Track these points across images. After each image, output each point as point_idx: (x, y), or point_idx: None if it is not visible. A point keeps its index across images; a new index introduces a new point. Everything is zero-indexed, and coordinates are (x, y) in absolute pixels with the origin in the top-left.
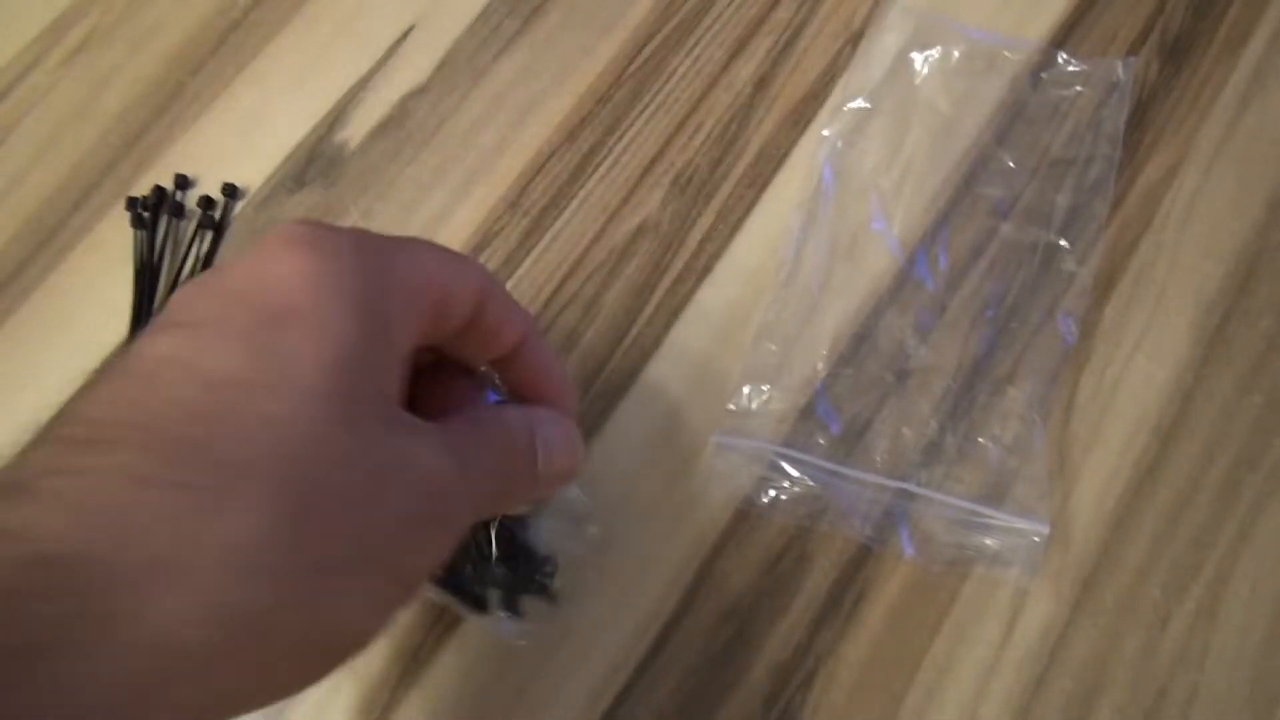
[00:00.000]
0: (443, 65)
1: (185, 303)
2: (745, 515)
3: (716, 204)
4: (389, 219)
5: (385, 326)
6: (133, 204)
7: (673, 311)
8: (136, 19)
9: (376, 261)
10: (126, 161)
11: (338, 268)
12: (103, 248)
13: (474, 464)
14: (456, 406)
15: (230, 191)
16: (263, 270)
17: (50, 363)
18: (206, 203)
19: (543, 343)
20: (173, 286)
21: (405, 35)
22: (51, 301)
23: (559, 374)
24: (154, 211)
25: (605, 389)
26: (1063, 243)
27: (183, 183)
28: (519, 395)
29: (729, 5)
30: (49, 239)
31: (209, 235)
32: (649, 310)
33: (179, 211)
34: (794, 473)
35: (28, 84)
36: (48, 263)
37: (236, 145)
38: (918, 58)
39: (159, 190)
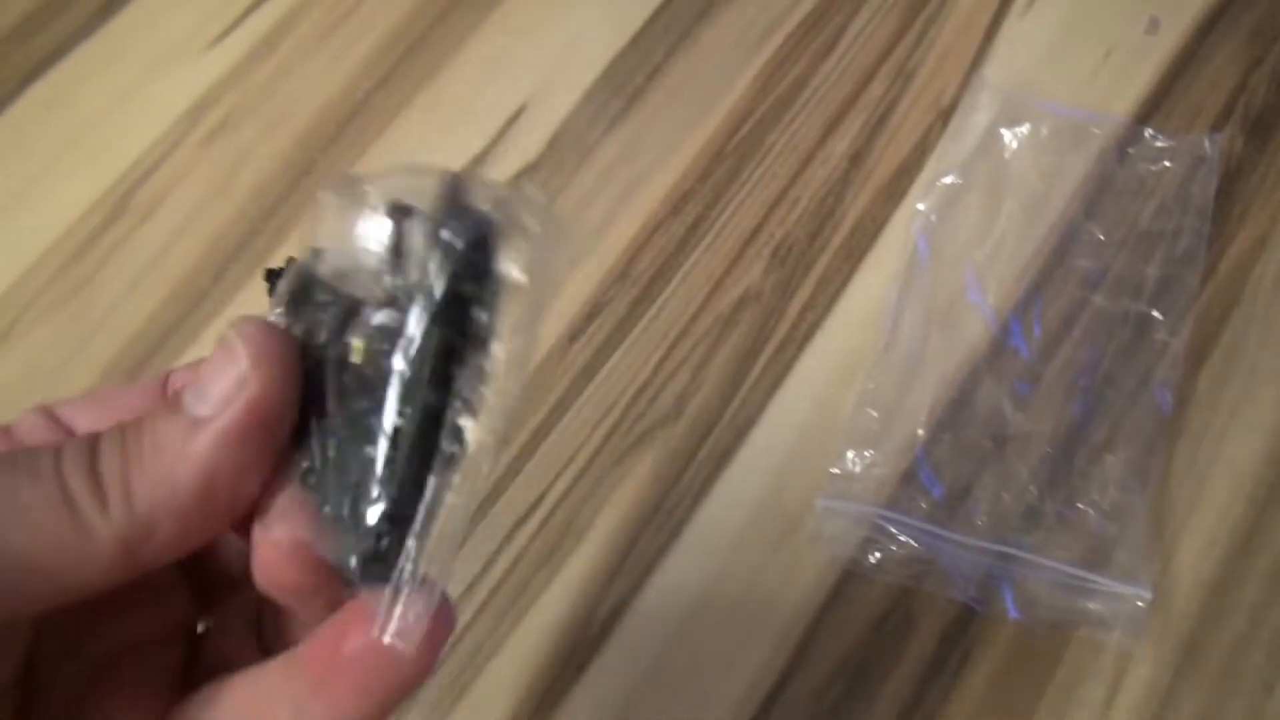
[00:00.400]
0: (552, 143)
1: None
2: (850, 576)
3: (815, 274)
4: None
5: None
6: (270, 275)
7: (776, 378)
8: (269, 102)
9: None
10: (262, 235)
11: None
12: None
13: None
14: None
15: None
16: None
17: None
18: None
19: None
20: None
21: (516, 115)
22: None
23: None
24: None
25: (712, 453)
26: (1154, 313)
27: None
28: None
29: (823, 83)
30: (192, 309)
31: None
32: (753, 377)
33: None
34: (898, 535)
35: (171, 163)
36: (191, 331)
37: None
38: (1007, 133)
39: (292, 261)
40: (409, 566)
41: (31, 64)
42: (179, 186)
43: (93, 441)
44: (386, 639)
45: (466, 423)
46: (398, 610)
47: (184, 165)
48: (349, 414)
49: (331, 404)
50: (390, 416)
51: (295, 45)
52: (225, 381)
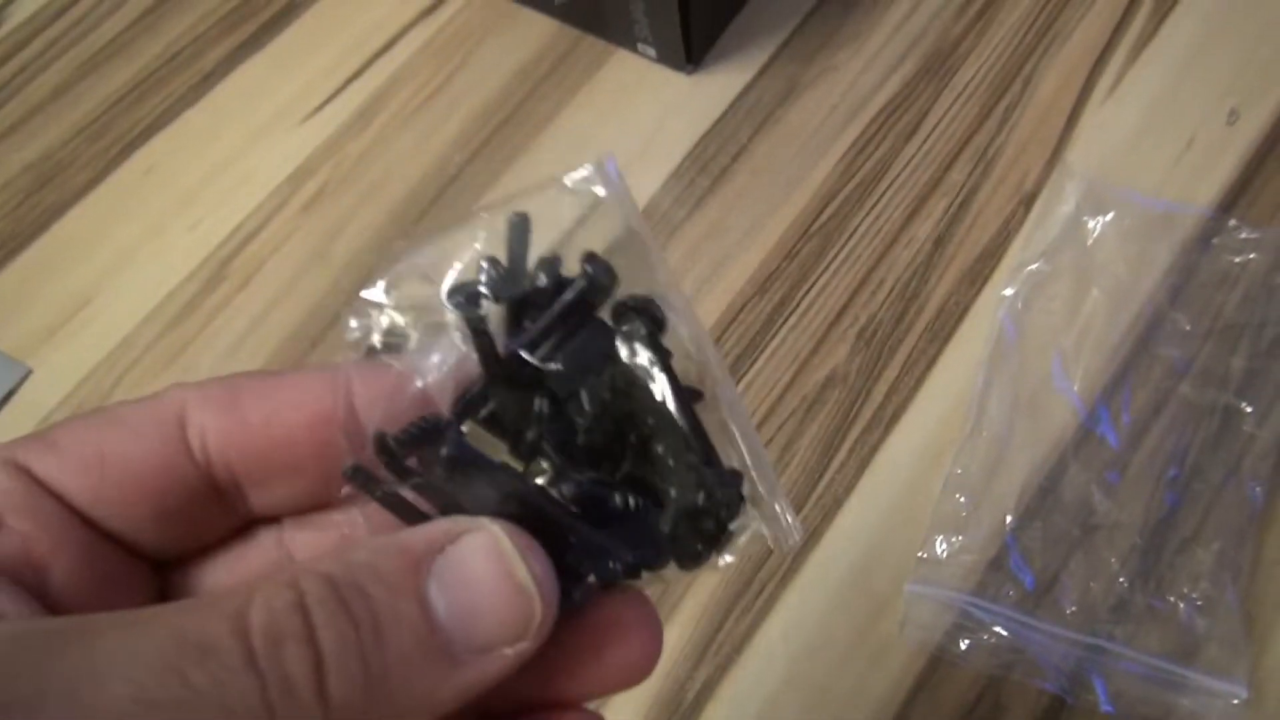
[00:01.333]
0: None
1: None
2: (938, 664)
3: (900, 357)
4: None
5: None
6: (370, 349)
7: (862, 461)
8: (365, 173)
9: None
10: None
11: None
12: None
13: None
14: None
15: None
16: None
17: None
18: None
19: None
20: None
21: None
22: None
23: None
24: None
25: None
26: (1242, 405)
27: None
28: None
29: (906, 167)
30: None
31: None
32: (839, 459)
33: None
34: (987, 622)
35: (269, 231)
36: None
37: None
38: (1090, 221)
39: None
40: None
41: (137, 130)
42: (277, 254)
43: (309, 635)
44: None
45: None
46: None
47: (282, 234)
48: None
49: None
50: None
51: (390, 118)
52: (509, 620)
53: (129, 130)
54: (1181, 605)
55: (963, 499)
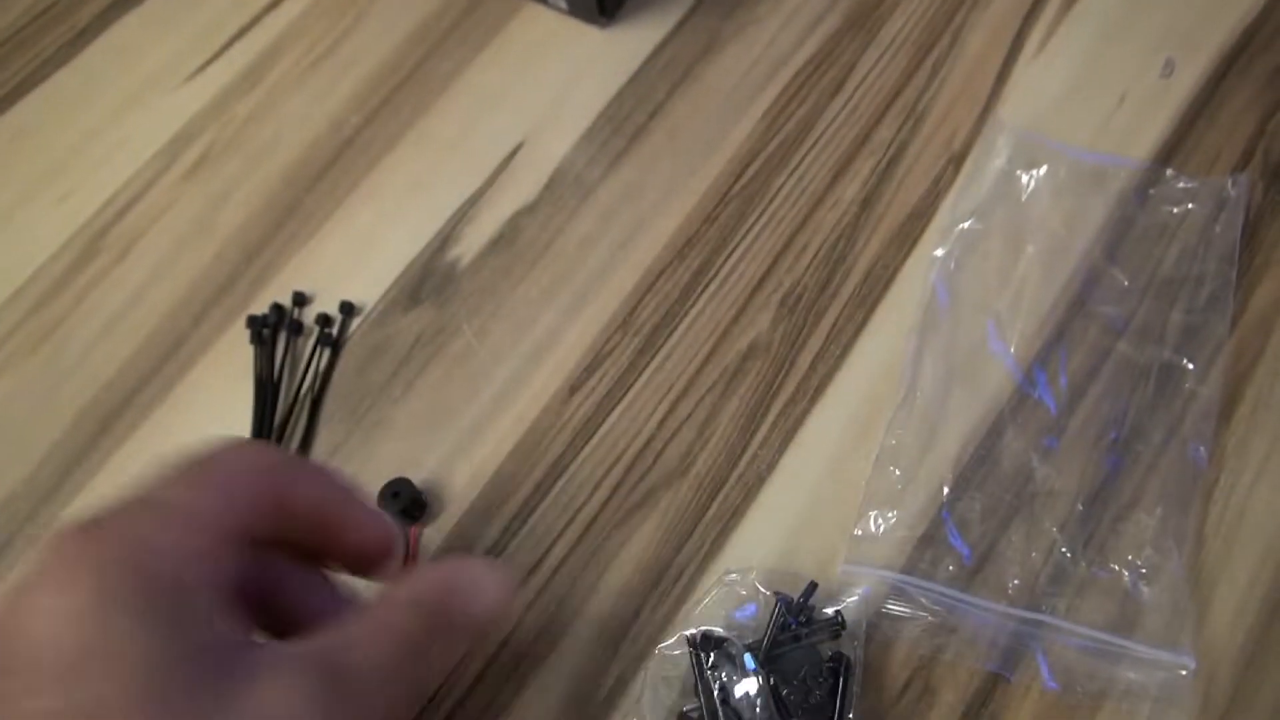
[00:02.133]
0: (551, 183)
1: None
2: (869, 645)
3: (826, 324)
4: (502, 338)
5: (182, 613)
6: (253, 322)
7: (787, 434)
8: (252, 137)
9: (157, 555)
10: (244, 278)
11: (117, 582)
12: (222, 363)
13: (353, 670)
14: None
15: (347, 309)
16: (35, 614)
17: None
18: (324, 320)
19: (348, 500)
20: (292, 403)
21: (513, 153)
22: (174, 417)
23: (380, 528)
24: (274, 329)
25: (720, 514)
26: (1184, 361)
27: (300, 300)
28: (348, 567)
29: (830, 125)
30: (170, 354)
31: (327, 352)
32: (762, 432)
33: (298, 329)
34: (922, 600)
35: (147, 200)
36: (168, 379)
37: (351, 262)
38: (1024, 176)
39: (278, 308)
40: None
41: (1, 93)
42: (156, 225)
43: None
44: None
45: None
46: None
47: (161, 203)
48: None
49: None
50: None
51: (279, 78)
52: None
53: None
54: (1125, 574)
55: (897, 471)
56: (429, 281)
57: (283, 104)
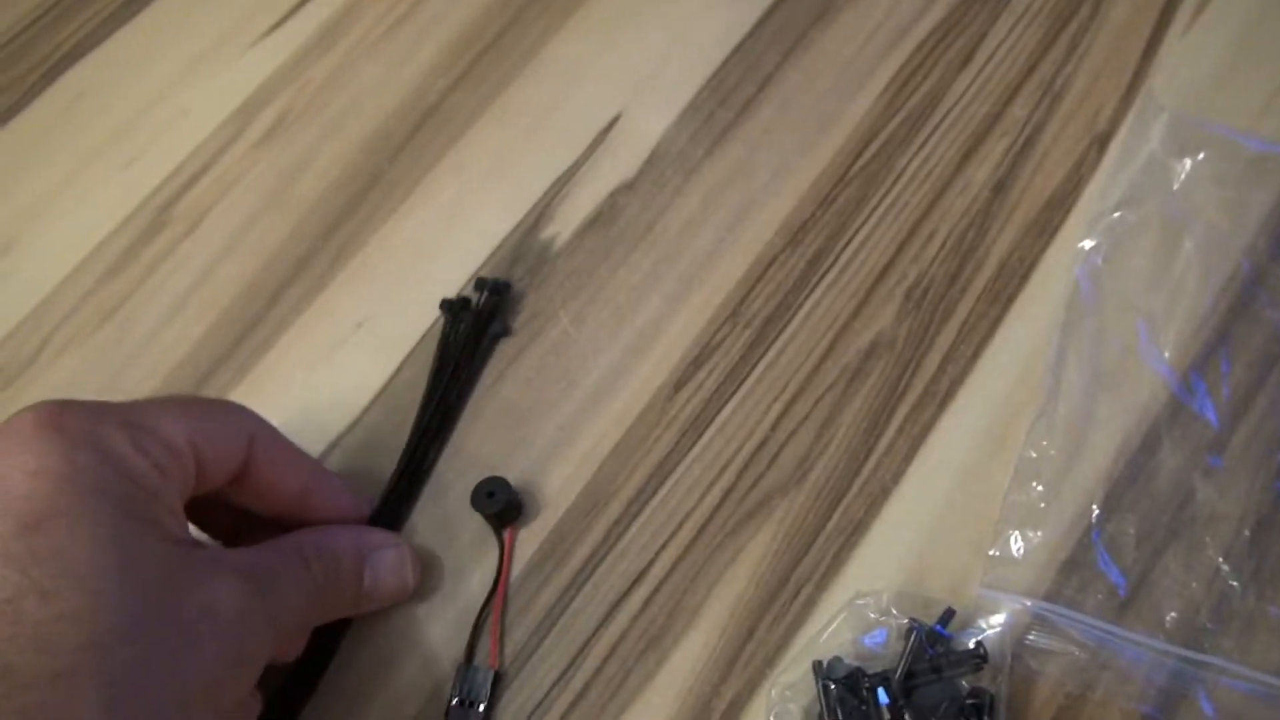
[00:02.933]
0: (651, 159)
1: None
2: (1011, 679)
3: (956, 321)
4: (601, 326)
5: (150, 495)
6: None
7: (914, 441)
8: (328, 104)
9: (125, 436)
10: (322, 254)
11: (86, 457)
12: (301, 346)
13: (275, 589)
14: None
15: (500, 289)
16: (8, 469)
17: None
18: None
19: (332, 490)
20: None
21: (610, 126)
22: (252, 402)
23: (354, 517)
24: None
25: (842, 526)
26: None
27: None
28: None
29: (959, 100)
30: (245, 335)
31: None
32: (888, 438)
33: (491, 317)
34: (1070, 632)
35: (218, 169)
36: (243, 362)
37: (438, 240)
38: (1176, 163)
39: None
40: None
41: (60, 53)
42: (227, 196)
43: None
44: None
45: None
46: None
47: (232, 172)
48: None
49: None
50: None
51: (355, 42)
52: (396, 593)
53: (51, 53)
54: None
55: (1039, 487)
56: (521, 263)
57: (361, 69)
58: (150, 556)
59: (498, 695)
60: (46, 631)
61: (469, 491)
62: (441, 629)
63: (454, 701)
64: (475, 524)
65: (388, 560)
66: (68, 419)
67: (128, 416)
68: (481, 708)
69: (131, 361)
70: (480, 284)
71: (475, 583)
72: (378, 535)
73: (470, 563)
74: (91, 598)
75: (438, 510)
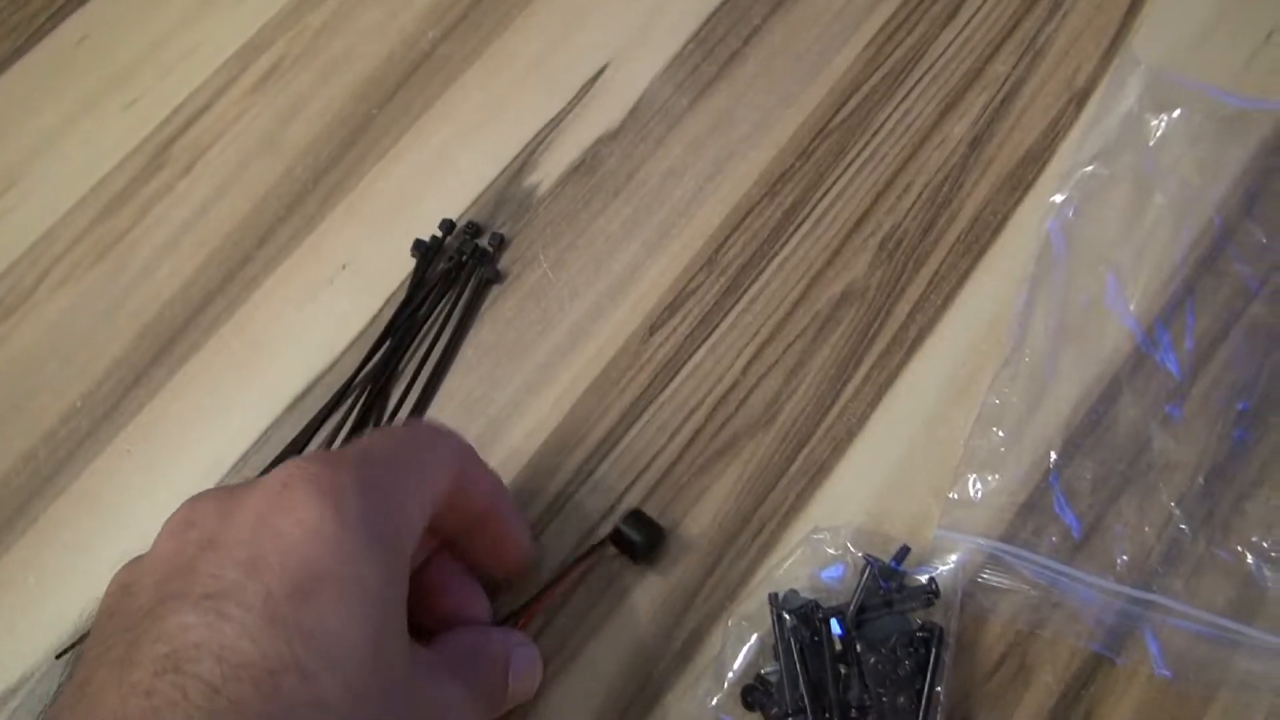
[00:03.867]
0: (636, 109)
1: (208, 567)
2: (962, 616)
3: (928, 271)
4: (580, 271)
5: (402, 565)
6: (419, 246)
7: (880, 387)
8: (324, 49)
9: (387, 500)
10: (313, 196)
11: (354, 520)
12: (290, 285)
13: (473, 690)
14: (454, 611)
15: (497, 242)
16: (278, 529)
17: (240, 400)
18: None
19: (509, 509)
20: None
21: (597, 76)
22: (237, 339)
23: (523, 542)
24: (433, 254)
25: (806, 468)
26: None
27: (449, 227)
28: (477, 562)
29: (940, 56)
30: (235, 272)
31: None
32: (854, 384)
33: (484, 257)
34: (1023, 572)
35: (215, 111)
36: (233, 297)
37: (424, 184)
38: (1154, 119)
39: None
40: None
41: None
42: (223, 138)
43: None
44: None
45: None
46: None
47: (229, 114)
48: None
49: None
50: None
51: None
52: (529, 692)
53: None
54: (1249, 556)
55: (1000, 433)
56: (505, 207)
57: (356, 16)
58: (397, 642)
59: None
60: (303, 717)
61: (453, 424)
62: None
63: None
64: None
65: (525, 661)
66: (337, 478)
67: (381, 479)
68: None
69: (127, 295)
70: (446, 226)
71: None
72: (515, 635)
73: None
74: (347, 691)
75: None
